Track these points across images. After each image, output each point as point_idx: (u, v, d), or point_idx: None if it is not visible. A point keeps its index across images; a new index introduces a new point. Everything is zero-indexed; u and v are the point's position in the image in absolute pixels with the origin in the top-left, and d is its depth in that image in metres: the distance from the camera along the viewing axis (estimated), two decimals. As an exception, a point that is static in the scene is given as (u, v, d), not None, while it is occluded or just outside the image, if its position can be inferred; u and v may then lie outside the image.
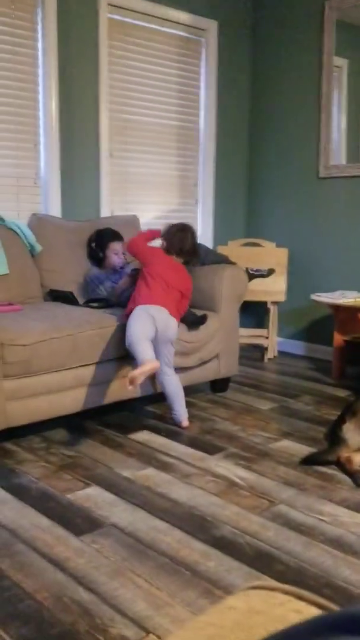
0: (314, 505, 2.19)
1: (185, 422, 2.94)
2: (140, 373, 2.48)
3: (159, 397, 3.18)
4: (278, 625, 0.53)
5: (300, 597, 0.57)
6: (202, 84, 4.45)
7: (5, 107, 3.48)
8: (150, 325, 2.72)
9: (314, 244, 4.44)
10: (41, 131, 3.64)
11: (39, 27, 3.54)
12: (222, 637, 0.52)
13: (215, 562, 1.81)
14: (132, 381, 2.46)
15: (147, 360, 2.54)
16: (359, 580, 1.73)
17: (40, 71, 3.58)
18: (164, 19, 4.11)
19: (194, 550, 1.87)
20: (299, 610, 0.55)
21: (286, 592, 0.59)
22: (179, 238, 3.02)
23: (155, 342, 2.74)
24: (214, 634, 0.52)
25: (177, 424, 2.95)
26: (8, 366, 2.50)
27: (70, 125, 3.73)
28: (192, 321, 3.10)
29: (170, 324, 2.80)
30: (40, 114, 3.62)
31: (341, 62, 4.23)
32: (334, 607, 0.56)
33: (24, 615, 1.55)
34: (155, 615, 1.55)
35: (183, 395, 2.94)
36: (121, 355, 2.85)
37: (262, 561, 1.82)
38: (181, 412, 2.93)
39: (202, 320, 3.13)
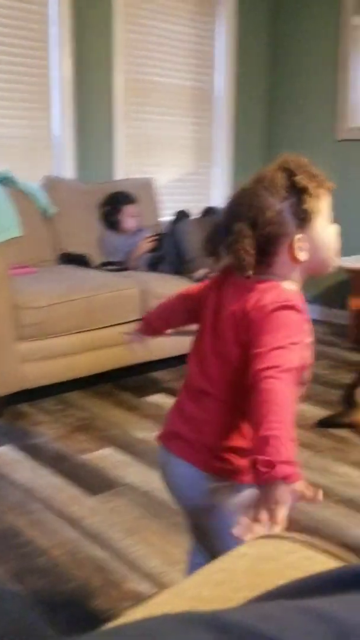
0: (328, 466, 2.18)
1: None
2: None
3: (175, 361, 3.16)
4: (290, 571, 0.53)
5: (311, 545, 0.56)
6: (219, 44, 4.33)
7: (17, 67, 3.41)
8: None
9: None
10: (55, 92, 3.57)
11: (51, -17, 3.46)
12: (233, 581, 0.51)
13: (229, 521, 1.82)
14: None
15: None
16: (372, 540, 1.73)
17: (53, 30, 3.50)
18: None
19: (208, 509, 1.88)
20: (310, 557, 0.54)
21: (297, 540, 0.58)
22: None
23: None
24: (224, 578, 0.51)
25: None
26: (23, 328, 2.50)
27: (84, 86, 3.66)
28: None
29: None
30: (54, 73, 3.55)
31: (361, 19, 4.07)
32: (345, 555, 0.55)
33: (39, 570, 1.57)
34: (170, 572, 1.57)
35: None
36: (137, 317, 2.84)
37: (276, 521, 1.83)
38: None
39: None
